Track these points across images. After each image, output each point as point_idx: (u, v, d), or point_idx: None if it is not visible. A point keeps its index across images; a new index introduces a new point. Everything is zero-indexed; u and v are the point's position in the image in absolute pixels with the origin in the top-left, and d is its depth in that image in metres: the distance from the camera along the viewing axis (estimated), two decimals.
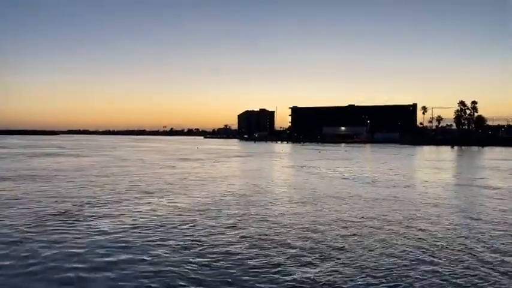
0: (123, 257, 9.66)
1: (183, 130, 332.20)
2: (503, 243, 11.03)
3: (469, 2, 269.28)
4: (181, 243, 10.85)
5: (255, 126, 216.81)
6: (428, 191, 21.34)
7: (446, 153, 69.98)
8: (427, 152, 76.44)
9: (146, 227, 12.58)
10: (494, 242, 11.19)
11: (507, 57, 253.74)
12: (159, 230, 12.24)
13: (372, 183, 24.55)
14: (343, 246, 10.60)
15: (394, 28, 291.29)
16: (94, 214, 14.34)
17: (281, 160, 48.83)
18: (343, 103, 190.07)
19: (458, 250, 10.37)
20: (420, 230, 12.47)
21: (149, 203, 16.89)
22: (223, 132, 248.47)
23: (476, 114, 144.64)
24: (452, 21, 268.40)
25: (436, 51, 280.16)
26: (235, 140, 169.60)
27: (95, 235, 11.51)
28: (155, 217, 14.00)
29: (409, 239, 11.44)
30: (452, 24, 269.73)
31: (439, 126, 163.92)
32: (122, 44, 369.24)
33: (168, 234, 11.76)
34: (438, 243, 10.94)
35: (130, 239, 11.17)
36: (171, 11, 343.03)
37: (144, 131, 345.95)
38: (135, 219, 13.60)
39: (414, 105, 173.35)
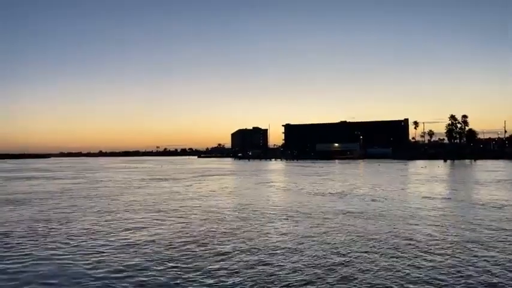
0: None
1: (176, 150, 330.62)
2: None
3: (458, 18, 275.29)
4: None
5: (248, 144, 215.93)
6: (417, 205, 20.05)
7: (439, 167, 68.99)
8: (420, 166, 75.41)
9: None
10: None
11: (496, 71, 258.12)
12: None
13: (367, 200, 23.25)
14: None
15: (384, 44, 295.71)
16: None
17: (270, 177, 47.44)
18: (335, 120, 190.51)
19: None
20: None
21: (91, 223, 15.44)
22: (217, 151, 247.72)
23: (467, 128, 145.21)
24: (442, 35, 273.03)
25: (426, 65, 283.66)
26: (229, 159, 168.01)
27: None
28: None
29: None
30: (442, 38, 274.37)
31: (431, 140, 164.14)
32: (116, 64, 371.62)
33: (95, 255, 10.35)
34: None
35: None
36: (161, 31, 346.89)
37: (138, 152, 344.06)
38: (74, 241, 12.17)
39: (406, 120, 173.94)
